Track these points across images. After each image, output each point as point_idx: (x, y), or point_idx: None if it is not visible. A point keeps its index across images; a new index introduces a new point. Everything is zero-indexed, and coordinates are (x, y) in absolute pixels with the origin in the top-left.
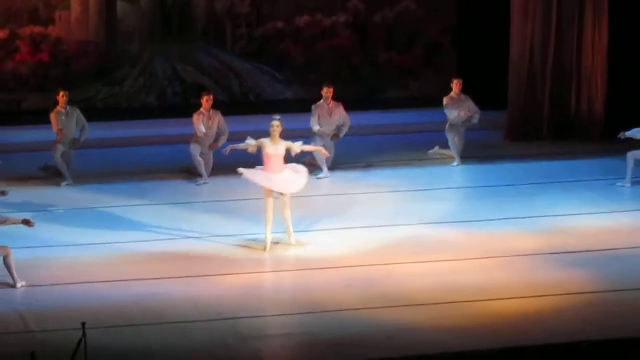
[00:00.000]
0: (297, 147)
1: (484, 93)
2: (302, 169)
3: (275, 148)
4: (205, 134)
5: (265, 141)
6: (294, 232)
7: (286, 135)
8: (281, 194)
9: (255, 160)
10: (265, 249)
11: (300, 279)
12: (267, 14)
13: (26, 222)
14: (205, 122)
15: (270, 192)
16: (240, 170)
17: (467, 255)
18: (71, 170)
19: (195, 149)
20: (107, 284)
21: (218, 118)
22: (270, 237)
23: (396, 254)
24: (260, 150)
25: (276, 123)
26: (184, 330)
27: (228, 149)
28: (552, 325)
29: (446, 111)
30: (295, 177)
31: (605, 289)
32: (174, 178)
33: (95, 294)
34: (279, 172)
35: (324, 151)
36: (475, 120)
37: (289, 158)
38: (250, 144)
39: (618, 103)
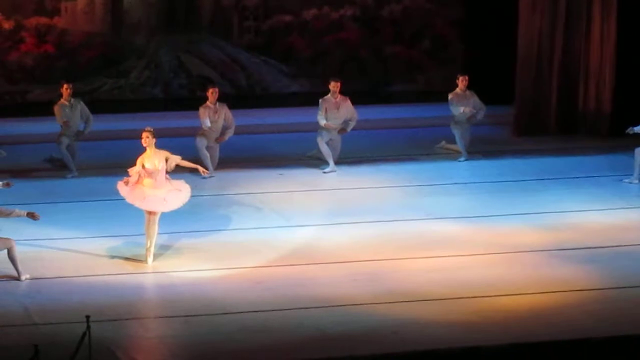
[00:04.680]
0: (176, 159)
1: (491, 87)
2: (185, 188)
3: (152, 162)
4: (211, 128)
5: (143, 157)
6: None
7: (294, 129)
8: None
9: (263, 152)
10: (146, 261)
11: (305, 273)
12: (274, 7)
13: (31, 215)
14: (211, 116)
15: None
16: (119, 185)
17: (473, 250)
18: (76, 162)
19: (201, 142)
20: (111, 276)
21: (224, 111)
22: (152, 250)
23: (402, 248)
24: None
25: (144, 134)
26: (188, 323)
27: (128, 184)
28: (559, 321)
29: (451, 107)
30: (173, 196)
31: (612, 285)
32: (178, 171)
33: (99, 287)
34: (159, 187)
35: (201, 169)
36: (480, 116)
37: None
38: (135, 170)
39: (626, 98)
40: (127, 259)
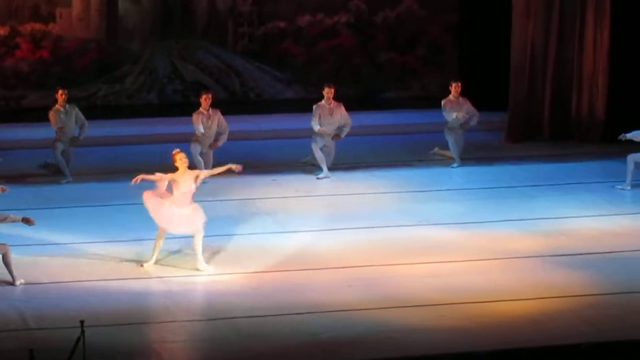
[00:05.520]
0: (206, 174)
1: (485, 93)
2: (199, 208)
3: (188, 184)
4: (204, 134)
5: (176, 176)
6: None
7: (288, 135)
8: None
9: (257, 158)
10: (145, 263)
11: (300, 279)
12: (268, 13)
13: (26, 220)
14: (204, 122)
15: None
16: (145, 197)
17: (467, 256)
18: (71, 167)
19: (194, 148)
20: (106, 282)
21: (217, 117)
22: (156, 256)
23: (396, 254)
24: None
25: (179, 156)
26: (183, 329)
27: (139, 178)
28: (552, 326)
29: (444, 113)
30: (195, 215)
31: (605, 291)
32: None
33: (94, 292)
34: (185, 206)
35: (234, 166)
36: (473, 122)
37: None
38: (162, 176)
39: (619, 105)
40: (129, 261)
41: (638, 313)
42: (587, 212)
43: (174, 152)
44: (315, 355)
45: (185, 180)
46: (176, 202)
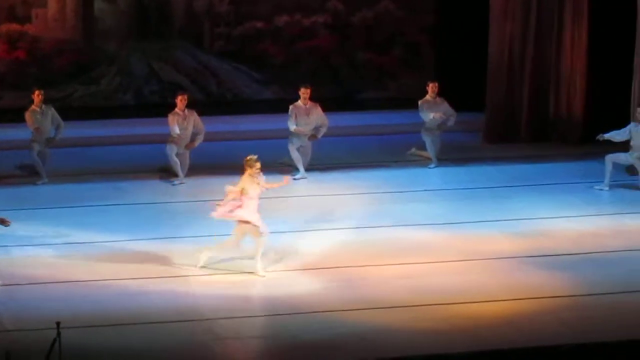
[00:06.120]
0: (265, 185)
1: (462, 94)
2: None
3: (252, 188)
4: (180, 135)
5: (244, 183)
6: None
7: (265, 136)
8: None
9: (234, 159)
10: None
11: (276, 280)
12: (245, 14)
13: (2, 221)
14: (180, 122)
15: (244, 232)
16: (219, 213)
17: (444, 257)
18: (47, 168)
19: (171, 149)
20: (83, 283)
21: (193, 118)
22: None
23: (373, 255)
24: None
25: (258, 164)
26: (161, 331)
27: (222, 210)
28: (529, 328)
29: (421, 114)
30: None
31: (583, 292)
32: (150, 177)
33: (72, 294)
34: (254, 213)
35: (285, 180)
36: (451, 122)
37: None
38: (234, 190)
39: (597, 105)
40: (106, 262)
41: (616, 314)
42: (565, 212)
43: (248, 158)
44: (290, 357)
45: (253, 185)
46: (247, 209)
